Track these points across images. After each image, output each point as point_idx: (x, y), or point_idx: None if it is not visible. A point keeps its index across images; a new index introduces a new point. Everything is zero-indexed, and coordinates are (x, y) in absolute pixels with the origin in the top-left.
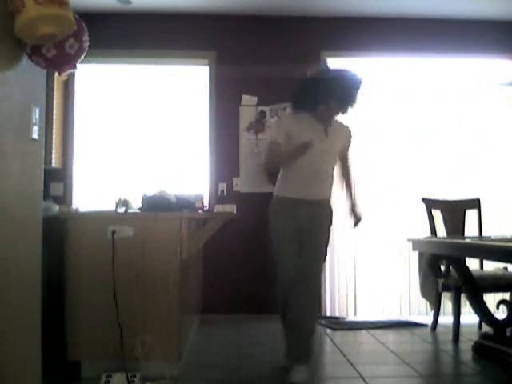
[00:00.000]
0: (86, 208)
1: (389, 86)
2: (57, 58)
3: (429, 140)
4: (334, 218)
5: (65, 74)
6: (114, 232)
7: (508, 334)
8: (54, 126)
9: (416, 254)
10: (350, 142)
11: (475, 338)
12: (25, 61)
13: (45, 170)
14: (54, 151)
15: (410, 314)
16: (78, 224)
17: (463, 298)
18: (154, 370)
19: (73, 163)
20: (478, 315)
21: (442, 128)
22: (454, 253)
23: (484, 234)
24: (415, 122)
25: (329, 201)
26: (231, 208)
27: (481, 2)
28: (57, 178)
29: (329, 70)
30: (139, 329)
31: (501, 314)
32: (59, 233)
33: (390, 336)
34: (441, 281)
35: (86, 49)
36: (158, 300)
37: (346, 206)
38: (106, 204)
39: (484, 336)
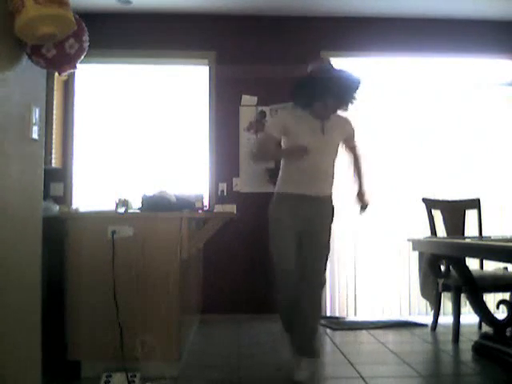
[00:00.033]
0: (85, 208)
1: (389, 86)
2: (57, 58)
3: (429, 140)
4: (335, 215)
5: (65, 74)
6: (113, 232)
7: (508, 333)
8: (54, 126)
9: (416, 253)
10: (351, 133)
11: (475, 337)
12: (25, 61)
13: (45, 170)
14: (54, 151)
15: (410, 313)
16: (77, 224)
17: (463, 298)
18: (154, 370)
19: (73, 163)
20: (478, 315)
21: (441, 128)
22: (454, 253)
23: (484, 233)
24: (415, 122)
25: (330, 197)
26: (231, 208)
27: (481, 2)
28: (57, 178)
29: (329, 67)
30: (139, 329)
31: (501, 314)
32: (59, 233)
33: (389, 336)
34: (441, 281)
35: (86, 49)
36: (158, 300)
37: (354, 191)
38: (106, 204)
39: (484, 336)
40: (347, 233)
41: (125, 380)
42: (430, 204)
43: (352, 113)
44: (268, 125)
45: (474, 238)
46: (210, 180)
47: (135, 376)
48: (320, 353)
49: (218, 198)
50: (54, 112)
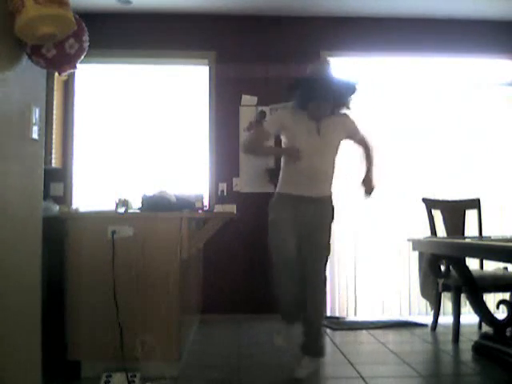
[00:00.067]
0: (85, 208)
1: (389, 86)
2: (57, 57)
3: (429, 140)
4: (335, 216)
5: (65, 74)
6: (113, 232)
7: (508, 333)
8: (54, 126)
9: (416, 253)
10: (353, 128)
11: (475, 337)
12: (25, 61)
13: (45, 170)
14: (54, 151)
15: (410, 314)
16: (78, 224)
17: (463, 298)
18: (154, 370)
19: (73, 163)
20: (478, 315)
21: (441, 128)
22: (454, 253)
23: (484, 233)
24: (415, 122)
25: (330, 198)
26: (231, 208)
27: (481, 2)
28: (57, 178)
29: (324, 69)
30: (139, 329)
31: (501, 313)
32: (59, 233)
33: (389, 336)
34: (441, 281)
35: (86, 49)
36: (158, 300)
37: (360, 176)
38: (106, 204)
39: (484, 336)
40: (347, 233)
41: (125, 380)
42: (430, 204)
43: (352, 113)
44: (266, 121)
45: (474, 237)
46: (210, 180)
47: (135, 376)
48: (324, 352)
49: (218, 197)
50: (54, 112)
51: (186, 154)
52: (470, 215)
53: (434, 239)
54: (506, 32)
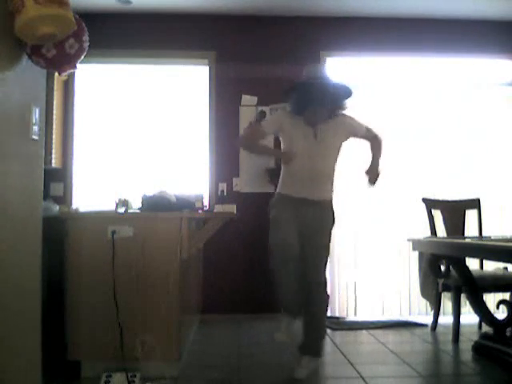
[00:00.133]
0: (85, 208)
1: (389, 86)
2: (57, 58)
3: (429, 140)
4: (335, 220)
5: (65, 74)
6: (113, 232)
7: (508, 333)
8: (54, 126)
9: (416, 253)
10: (355, 127)
11: (475, 337)
12: (25, 61)
13: (45, 170)
14: (54, 151)
15: (410, 314)
16: (78, 224)
17: (463, 298)
18: (154, 370)
19: (73, 163)
20: (478, 315)
21: (441, 128)
22: (454, 253)
23: (484, 233)
24: (415, 122)
25: (330, 202)
26: (231, 208)
27: (481, 2)
28: (57, 178)
29: (318, 75)
30: (139, 329)
31: (501, 314)
32: (59, 233)
33: (389, 336)
34: (441, 281)
35: (86, 49)
36: (158, 300)
37: (366, 165)
38: (106, 204)
39: (484, 336)
40: (347, 233)
41: (125, 380)
42: (430, 204)
43: (352, 113)
44: (265, 120)
45: (474, 238)
46: (210, 180)
47: (135, 376)
48: (323, 352)
49: (218, 197)
50: (54, 112)
51: (186, 154)
52: (470, 215)
53: (434, 239)
54: (506, 32)
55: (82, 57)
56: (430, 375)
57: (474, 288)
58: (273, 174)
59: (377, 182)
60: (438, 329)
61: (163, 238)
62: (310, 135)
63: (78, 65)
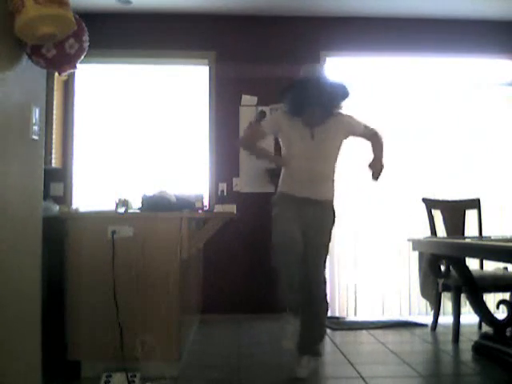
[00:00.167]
0: (86, 208)
1: (389, 86)
2: (57, 58)
3: (429, 140)
4: (335, 220)
5: (65, 74)
6: (113, 232)
7: (508, 333)
8: (54, 126)
9: (416, 253)
10: (353, 124)
11: (475, 337)
12: (25, 61)
13: (45, 170)
14: (54, 151)
15: (410, 314)
16: (78, 224)
17: (463, 298)
18: (154, 370)
19: (73, 163)
20: (478, 315)
21: (441, 128)
22: (454, 253)
23: (484, 233)
24: (415, 121)
25: (331, 202)
26: (231, 208)
27: (481, 2)
28: (57, 178)
29: (319, 74)
30: (139, 329)
31: (501, 313)
32: (59, 233)
33: (389, 336)
34: (441, 281)
35: (86, 49)
36: (158, 300)
37: (368, 159)
38: (106, 204)
39: (484, 336)
40: (347, 233)
41: (125, 380)
42: (430, 204)
43: (351, 113)
44: (265, 119)
45: (473, 238)
46: (210, 180)
47: (135, 376)
48: (322, 352)
49: (218, 197)
50: (54, 112)
51: (186, 154)
52: (470, 215)
53: (434, 239)
54: (506, 32)
55: (82, 57)
56: (429, 375)
57: (474, 288)
58: (273, 174)
59: (380, 176)
60: (438, 329)
61: (163, 238)
62: (308, 136)
63: (77, 65)
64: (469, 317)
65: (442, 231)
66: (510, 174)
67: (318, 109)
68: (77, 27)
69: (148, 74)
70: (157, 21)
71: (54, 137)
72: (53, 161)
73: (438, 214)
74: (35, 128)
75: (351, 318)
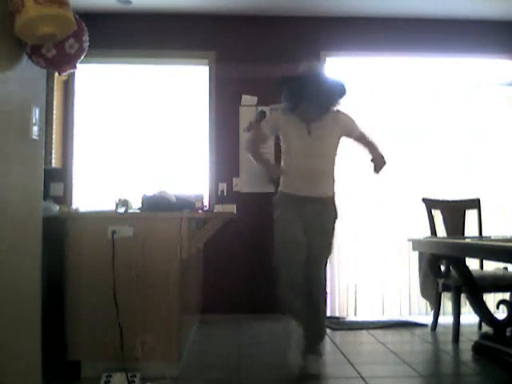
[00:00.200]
0: (86, 208)
1: (389, 86)
2: (57, 58)
3: (429, 140)
4: (338, 216)
5: (65, 74)
6: (114, 232)
7: (508, 333)
8: (54, 126)
9: (416, 253)
10: (349, 124)
11: (475, 337)
12: (25, 61)
13: (45, 170)
14: (54, 151)
15: (410, 314)
16: (78, 224)
17: (463, 298)
18: (154, 370)
19: (73, 163)
20: (478, 315)
21: (441, 128)
22: (454, 253)
23: (484, 233)
24: (415, 121)
25: (332, 198)
26: (231, 208)
27: (481, 2)
28: (57, 178)
29: (317, 70)
30: (139, 329)
31: (501, 314)
32: (59, 233)
33: (389, 336)
34: (441, 281)
35: (86, 49)
36: (158, 300)
37: (369, 155)
38: (106, 204)
39: (484, 336)
40: (347, 233)
41: (125, 380)
42: (430, 204)
43: (351, 113)
44: (265, 120)
45: (473, 238)
46: (210, 180)
47: (135, 376)
48: (323, 352)
49: (218, 197)
50: (54, 112)
51: (185, 154)
52: (470, 215)
53: (434, 239)
54: (506, 32)
55: (82, 57)
56: (429, 375)
57: (474, 288)
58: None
59: (382, 170)
60: (438, 329)
61: (163, 238)
62: (304, 132)
63: (77, 65)
64: (469, 317)
65: (442, 231)
66: (510, 174)
67: (315, 104)
68: (77, 27)
69: (148, 73)
70: (157, 21)
71: (54, 137)
72: (53, 161)
73: (438, 214)
74: (35, 128)
75: (351, 317)
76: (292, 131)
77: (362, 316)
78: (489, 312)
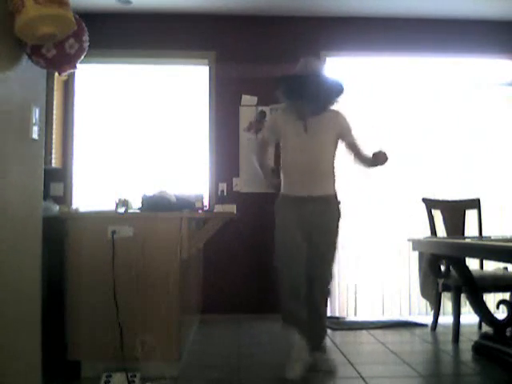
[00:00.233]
0: (85, 208)
1: (389, 86)
2: (57, 58)
3: (429, 140)
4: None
5: (65, 74)
6: (114, 232)
7: (508, 333)
8: (54, 126)
9: (416, 253)
10: (345, 126)
11: (475, 337)
12: (25, 61)
13: (45, 170)
14: (54, 151)
15: (410, 314)
16: (78, 224)
17: (463, 298)
18: (154, 370)
19: (73, 163)
20: (478, 315)
21: (441, 128)
22: (454, 253)
23: (484, 233)
24: (415, 122)
25: (332, 196)
26: (231, 208)
27: (481, 2)
28: (57, 178)
29: (316, 67)
30: (139, 329)
31: (501, 314)
32: (59, 233)
33: (389, 336)
34: (441, 281)
35: (86, 49)
36: (158, 300)
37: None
38: (106, 204)
39: (484, 336)
40: (347, 233)
41: (125, 380)
42: (430, 204)
43: (351, 113)
44: (265, 128)
45: (473, 237)
46: (210, 180)
47: (135, 376)
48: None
49: (218, 197)
50: (54, 112)
51: (185, 154)
52: (470, 215)
53: (434, 239)
54: (506, 32)
55: (82, 57)
56: (429, 375)
57: (474, 288)
58: (273, 174)
59: (384, 164)
60: (438, 329)
61: (163, 238)
62: (301, 129)
63: (77, 65)
64: (469, 317)
65: (441, 231)
66: (510, 174)
67: (313, 102)
68: (77, 27)
69: (148, 73)
70: (157, 21)
71: (54, 137)
72: (53, 161)
73: (438, 214)
74: (35, 128)
75: (351, 317)
76: (289, 128)
77: (362, 316)
78: (489, 312)
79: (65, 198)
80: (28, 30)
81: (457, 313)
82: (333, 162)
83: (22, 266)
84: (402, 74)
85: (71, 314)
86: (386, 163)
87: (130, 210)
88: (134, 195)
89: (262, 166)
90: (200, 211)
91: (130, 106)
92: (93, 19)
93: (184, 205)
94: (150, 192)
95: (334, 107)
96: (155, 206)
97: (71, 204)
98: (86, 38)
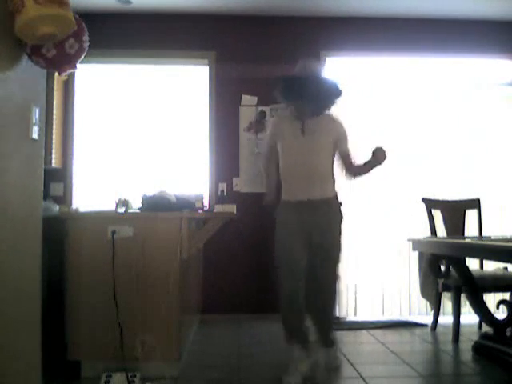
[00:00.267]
0: (86, 208)
1: (389, 86)
2: (57, 58)
3: (428, 140)
4: (343, 215)
5: (65, 74)
6: (114, 232)
7: (508, 333)
8: (54, 126)
9: (416, 253)
10: (341, 133)
11: (475, 337)
12: (25, 61)
13: (45, 170)
14: (54, 151)
15: (410, 314)
16: (78, 224)
17: (463, 298)
18: (154, 370)
19: (73, 163)
20: (478, 315)
21: (441, 128)
22: (454, 253)
23: (484, 233)
24: (415, 122)
25: (332, 198)
26: (231, 208)
27: (481, 2)
28: (57, 178)
29: (314, 69)
30: (139, 329)
31: (501, 313)
32: (59, 233)
33: (389, 336)
34: (441, 281)
35: (86, 49)
36: (158, 300)
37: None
38: (106, 204)
39: (484, 336)
40: (347, 233)
41: (125, 380)
42: (430, 204)
43: (352, 113)
44: (267, 135)
45: (473, 238)
46: (210, 180)
47: (135, 376)
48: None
49: (218, 197)
50: (54, 112)
51: (185, 154)
52: (470, 215)
53: (434, 239)
54: (506, 32)
55: (82, 57)
56: (429, 375)
57: (474, 288)
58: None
59: (383, 162)
60: (438, 329)
61: (163, 238)
62: (298, 131)
63: (77, 65)
64: (469, 317)
65: (442, 231)
66: (510, 174)
67: (311, 103)
68: (77, 27)
69: (148, 73)
70: (157, 21)
71: (54, 137)
72: (53, 161)
73: (438, 214)
74: (35, 128)
75: (351, 317)
76: (287, 130)
77: (362, 316)
78: (489, 312)
79: (65, 198)
80: (28, 29)
81: (457, 313)
82: (332, 164)
83: (22, 265)
84: (401, 74)
85: (71, 314)
86: (384, 161)
87: (130, 210)
88: (134, 195)
89: (268, 179)
90: (200, 211)
91: (130, 106)
92: (93, 19)
93: (184, 205)
94: (150, 192)
95: (333, 110)
96: (155, 206)
97: (71, 204)
98: (86, 37)
